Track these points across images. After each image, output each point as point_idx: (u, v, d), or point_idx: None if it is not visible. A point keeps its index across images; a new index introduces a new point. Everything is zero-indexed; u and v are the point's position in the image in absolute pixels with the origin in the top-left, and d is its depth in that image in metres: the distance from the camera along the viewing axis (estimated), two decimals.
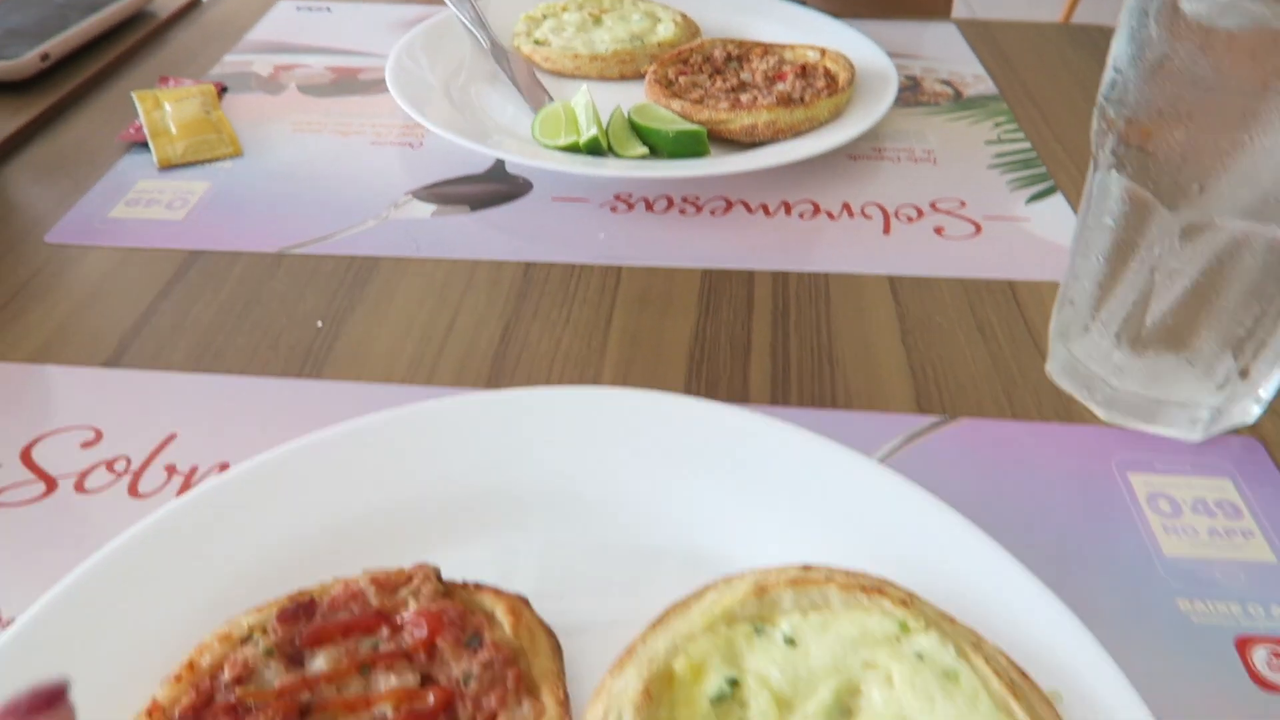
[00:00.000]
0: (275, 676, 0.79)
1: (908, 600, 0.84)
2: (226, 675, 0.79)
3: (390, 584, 0.87)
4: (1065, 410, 1.19)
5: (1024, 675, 0.79)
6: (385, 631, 0.83)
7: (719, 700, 0.78)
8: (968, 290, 1.38)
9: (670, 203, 1.55)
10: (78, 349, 1.24)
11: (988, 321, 1.33)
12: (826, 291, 1.36)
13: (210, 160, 1.64)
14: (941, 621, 0.83)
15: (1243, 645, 0.93)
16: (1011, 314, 1.33)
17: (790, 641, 0.82)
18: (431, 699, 0.78)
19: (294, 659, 0.81)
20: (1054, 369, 1.22)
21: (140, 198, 1.54)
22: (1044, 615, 0.85)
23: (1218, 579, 0.99)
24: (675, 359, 1.25)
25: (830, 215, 1.54)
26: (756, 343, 1.28)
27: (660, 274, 1.40)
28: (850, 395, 1.20)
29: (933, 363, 1.25)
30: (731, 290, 1.36)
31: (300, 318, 1.30)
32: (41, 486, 1.04)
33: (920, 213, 1.55)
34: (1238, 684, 0.90)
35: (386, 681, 0.80)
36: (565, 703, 0.80)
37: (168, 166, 1.62)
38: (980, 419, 1.17)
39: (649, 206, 1.55)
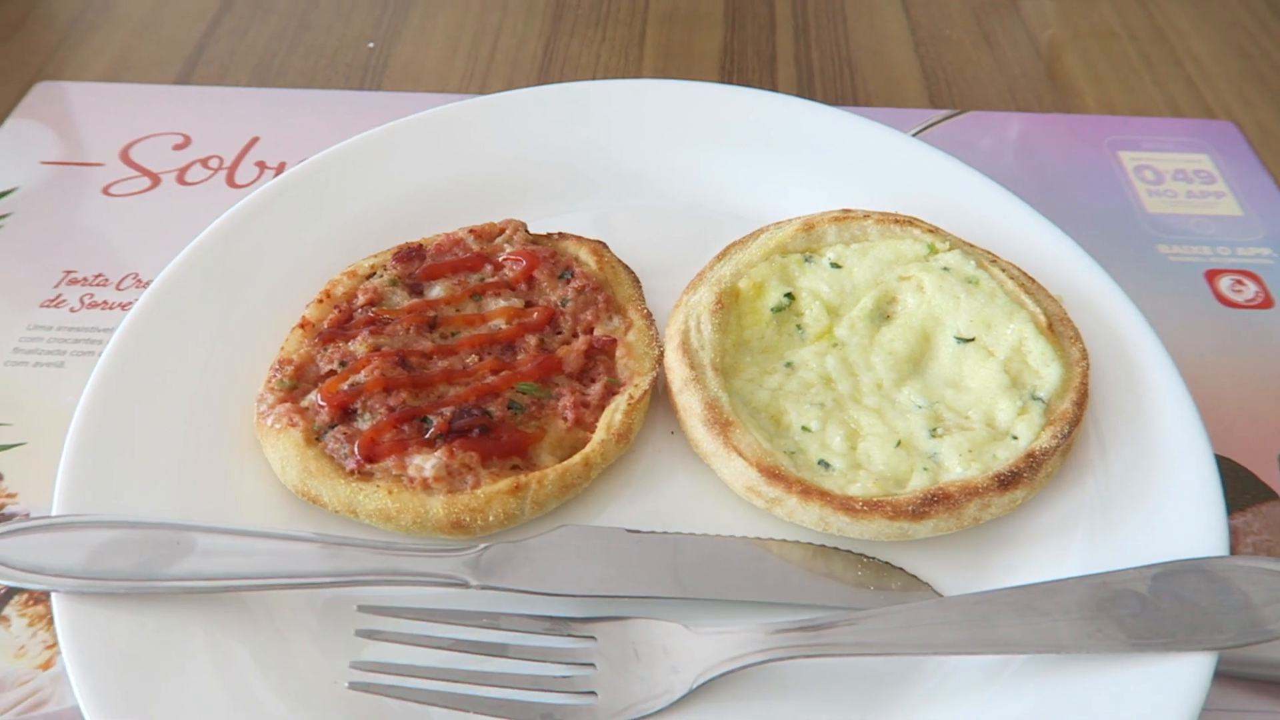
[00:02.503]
0: (402, 301, 0.93)
1: (934, 229, 0.98)
2: (361, 299, 0.92)
3: (486, 234, 0.99)
4: (1064, 104, 1.31)
5: (1033, 280, 0.95)
6: (488, 268, 0.97)
7: (778, 309, 0.93)
8: (973, 5, 1.46)
9: None
10: (144, 71, 1.32)
11: (993, 32, 1.42)
12: (843, 8, 1.45)
13: None
14: (963, 244, 0.97)
15: (1211, 276, 1.09)
16: (1014, 24, 1.43)
17: (836, 265, 0.96)
18: (536, 314, 0.93)
19: (415, 289, 0.94)
20: None
21: None
22: (1047, 239, 1.00)
23: (1191, 229, 1.14)
24: (707, 71, 1.35)
25: None
26: (781, 54, 1.37)
27: None
28: (870, 96, 1.31)
29: (943, 67, 1.36)
30: (754, 8, 1.44)
31: (350, 40, 1.37)
32: (146, 181, 1.14)
33: None
34: (1205, 304, 1.06)
35: (496, 305, 0.94)
36: (649, 317, 0.95)
37: None
38: (988, 111, 1.29)
39: None
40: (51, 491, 0.78)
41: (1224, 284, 1.08)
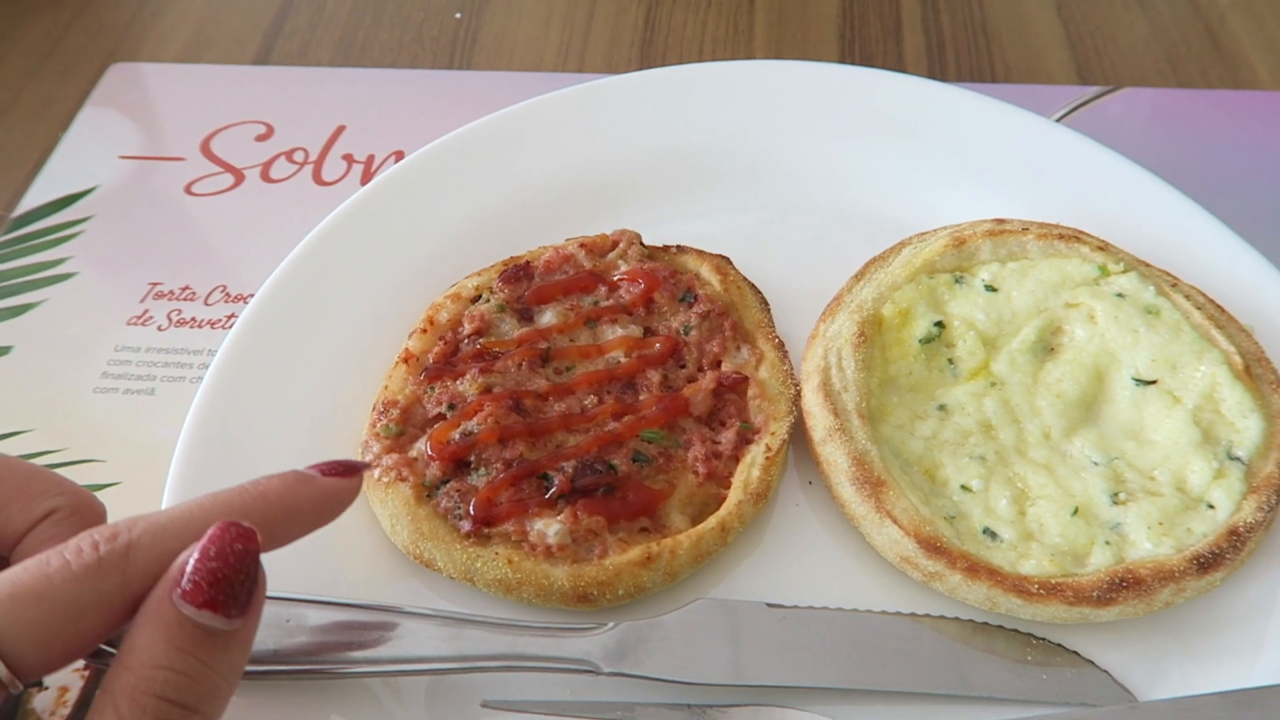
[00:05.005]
0: (511, 329, 0.85)
1: (1104, 246, 0.86)
2: (467, 328, 0.85)
3: (597, 248, 0.91)
4: (1232, 76, 1.16)
5: (1221, 310, 0.83)
6: (603, 290, 0.88)
7: (928, 340, 0.83)
8: None
9: None
10: (223, 48, 1.23)
11: None
12: None
13: None
14: (1138, 264, 0.86)
15: None
16: None
17: (991, 288, 0.86)
18: (658, 346, 0.84)
19: (524, 314, 0.86)
20: None
21: None
22: (1234, 257, 0.88)
23: None
24: (825, 41, 1.23)
25: None
26: (906, 18, 1.24)
27: None
28: (1009, 68, 1.18)
29: (1091, 33, 1.22)
30: None
31: (437, 9, 1.27)
32: (230, 178, 1.07)
33: None
34: None
35: (612, 332, 0.85)
36: (781, 348, 0.85)
37: None
38: (1145, 88, 1.15)
39: None
40: None
41: None
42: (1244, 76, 1.16)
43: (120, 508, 0.85)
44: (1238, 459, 0.75)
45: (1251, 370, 0.79)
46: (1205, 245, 0.89)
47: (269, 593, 0.70)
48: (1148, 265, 0.86)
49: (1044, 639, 0.72)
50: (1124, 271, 0.84)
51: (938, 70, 1.18)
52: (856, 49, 1.21)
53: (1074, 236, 0.87)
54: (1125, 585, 0.69)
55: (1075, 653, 0.72)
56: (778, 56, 1.21)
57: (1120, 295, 0.83)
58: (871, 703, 0.70)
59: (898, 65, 1.19)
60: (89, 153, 1.10)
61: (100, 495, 0.84)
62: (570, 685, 0.70)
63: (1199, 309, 0.82)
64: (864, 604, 0.74)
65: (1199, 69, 1.18)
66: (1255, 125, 1.10)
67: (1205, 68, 1.18)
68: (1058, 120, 1.11)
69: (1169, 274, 0.86)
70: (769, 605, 0.72)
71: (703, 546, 0.73)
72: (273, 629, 0.68)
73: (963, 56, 1.19)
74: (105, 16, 1.26)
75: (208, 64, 1.20)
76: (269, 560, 0.73)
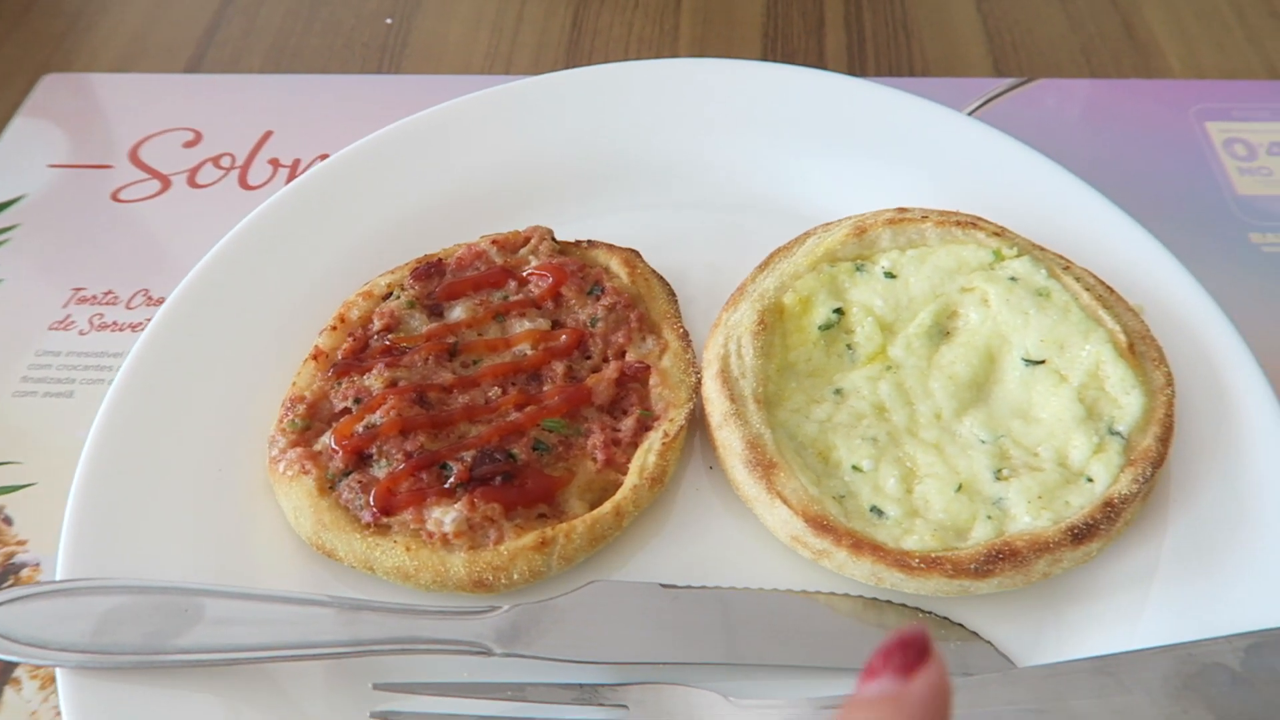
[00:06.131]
0: (420, 325, 0.87)
1: (1000, 231, 0.88)
2: (376, 325, 0.86)
3: (509, 244, 0.92)
4: (1144, 66, 1.19)
5: (1111, 290, 0.85)
6: (513, 285, 0.90)
7: (827, 327, 0.85)
8: None
9: None
10: (156, 57, 1.25)
11: None
12: None
13: None
14: (1033, 249, 0.88)
15: None
16: None
17: (890, 275, 0.88)
18: (564, 338, 0.86)
19: (434, 310, 0.88)
20: None
21: None
22: (1127, 239, 0.90)
23: None
24: (749, 37, 1.25)
25: None
26: (830, 16, 1.26)
27: None
28: (928, 63, 1.20)
29: (1009, 27, 1.24)
30: None
31: (368, 15, 1.29)
32: (157, 184, 1.09)
33: None
34: None
35: (520, 326, 0.87)
36: (685, 337, 0.87)
37: None
38: (1059, 79, 1.17)
39: None
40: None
41: None
42: (1156, 65, 1.19)
43: (36, 509, 0.87)
44: (1118, 433, 0.77)
45: (1135, 348, 0.81)
46: (1100, 228, 0.91)
47: (169, 583, 0.71)
48: (1042, 249, 0.88)
49: (931, 613, 0.74)
50: (1018, 256, 0.86)
51: (857, 66, 1.20)
52: (779, 47, 1.23)
53: (971, 223, 0.89)
54: (1002, 557, 0.71)
55: (961, 625, 0.74)
56: (702, 54, 1.23)
57: (1013, 279, 0.85)
58: (764, 678, 0.72)
59: (818, 62, 1.21)
60: (18, 162, 1.11)
61: (16, 496, 0.87)
62: (468, 667, 0.71)
63: (1088, 290, 0.84)
64: (759, 583, 0.76)
65: (1113, 59, 1.20)
66: (1164, 111, 1.13)
67: (1119, 57, 1.20)
68: (971, 112, 1.13)
69: (1063, 257, 0.88)
70: (663, 585, 0.74)
71: (598, 530, 0.75)
72: (171, 618, 0.70)
73: (883, 52, 1.22)
74: (40, 28, 1.28)
75: (140, 73, 1.22)
76: (170, 550, 0.74)
